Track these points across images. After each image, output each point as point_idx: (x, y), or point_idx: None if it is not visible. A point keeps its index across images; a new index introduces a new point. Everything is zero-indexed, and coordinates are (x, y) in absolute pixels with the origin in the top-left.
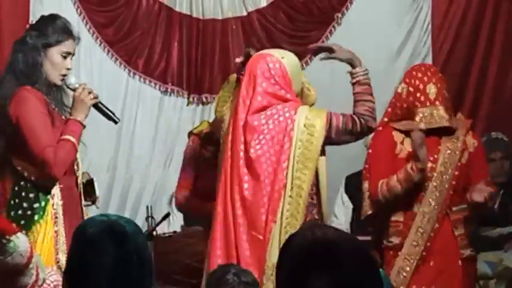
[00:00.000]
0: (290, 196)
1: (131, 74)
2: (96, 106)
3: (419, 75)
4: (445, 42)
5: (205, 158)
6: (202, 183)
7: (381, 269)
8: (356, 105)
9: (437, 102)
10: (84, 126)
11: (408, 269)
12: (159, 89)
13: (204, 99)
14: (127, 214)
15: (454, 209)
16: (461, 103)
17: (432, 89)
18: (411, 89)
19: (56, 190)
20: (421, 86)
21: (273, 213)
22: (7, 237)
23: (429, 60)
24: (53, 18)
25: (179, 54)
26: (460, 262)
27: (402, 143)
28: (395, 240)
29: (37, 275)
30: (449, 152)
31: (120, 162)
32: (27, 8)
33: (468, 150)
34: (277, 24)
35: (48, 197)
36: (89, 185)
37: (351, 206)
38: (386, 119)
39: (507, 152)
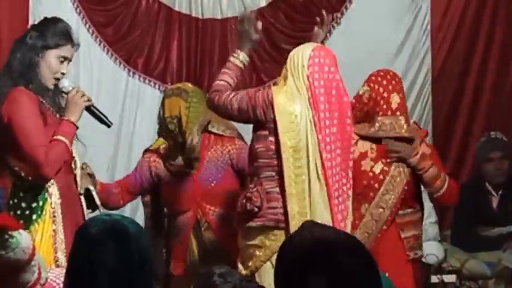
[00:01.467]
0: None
1: (131, 74)
2: (89, 109)
3: (384, 82)
4: (444, 42)
5: (171, 171)
6: (169, 191)
7: (382, 273)
8: None
9: (398, 113)
10: (77, 127)
11: None
12: (159, 89)
13: None
14: (126, 213)
15: (400, 212)
16: (459, 103)
17: (395, 99)
18: (374, 94)
19: (54, 189)
20: (385, 94)
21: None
22: (10, 232)
23: (428, 60)
24: (55, 21)
25: (179, 53)
26: (407, 263)
27: (356, 143)
28: None
29: (39, 273)
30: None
31: (120, 162)
32: (26, 7)
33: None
34: (276, 24)
35: (46, 195)
36: (88, 195)
37: None
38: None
39: (506, 151)
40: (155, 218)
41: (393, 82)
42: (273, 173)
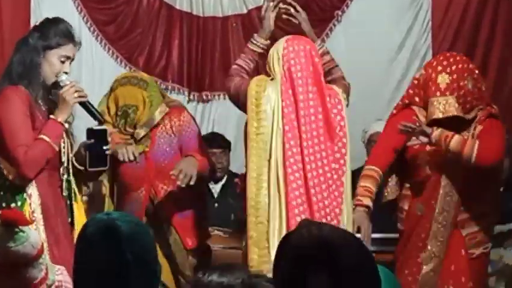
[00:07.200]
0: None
1: (132, 72)
2: (83, 105)
3: (434, 64)
4: (445, 39)
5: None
6: (121, 170)
7: (386, 268)
8: (331, 72)
9: (447, 93)
10: (64, 126)
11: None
12: (160, 87)
13: (205, 97)
14: None
15: (461, 208)
16: None
17: (443, 79)
18: (425, 76)
19: (33, 190)
20: (433, 75)
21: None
22: (20, 227)
23: (429, 58)
24: (56, 21)
25: (180, 51)
26: (468, 262)
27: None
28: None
29: (46, 273)
30: None
31: None
32: (28, 7)
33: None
34: (277, 22)
35: (25, 196)
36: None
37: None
38: (406, 101)
39: (509, 150)
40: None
41: (445, 63)
42: None
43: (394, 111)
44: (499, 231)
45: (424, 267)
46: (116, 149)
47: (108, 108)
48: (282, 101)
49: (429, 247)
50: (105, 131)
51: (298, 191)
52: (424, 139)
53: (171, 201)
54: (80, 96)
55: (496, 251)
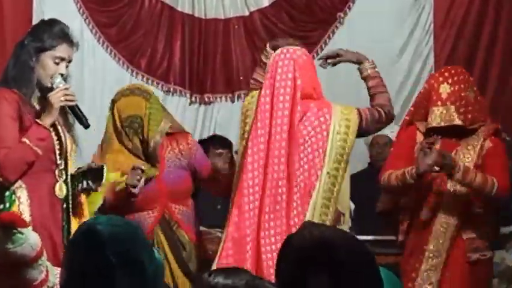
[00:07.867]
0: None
1: (134, 74)
2: (71, 109)
3: (437, 75)
4: (447, 42)
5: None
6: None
7: (389, 271)
8: (374, 98)
9: (448, 102)
10: (49, 130)
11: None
12: (162, 89)
13: (206, 99)
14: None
15: (463, 213)
16: None
17: (444, 89)
18: (427, 87)
19: (22, 192)
20: (435, 85)
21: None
22: (18, 228)
23: (431, 60)
24: (51, 23)
25: (182, 53)
26: (467, 266)
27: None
28: (401, 238)
29: (47, 275)
30: (464, 156)
31: None
32: (30, 8)
33: (482, 154)
34: (279, 24)
35: (14, 198)
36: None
37: (352, 206)
38: (407, 118)
39: (509, 151)
40: None
41: (446, 74)
42: None
43: (400, 129)
44: (501, 233)
45: (423, 266)
46: (127, 182)
47: (115, 125)
48: (257, 106)
49: (430, 246)
50: (102, 169)
51: (251, 197)
52: (436, 168)
53: (186, 220)
54: (66, 100)
55: (498, 253)
